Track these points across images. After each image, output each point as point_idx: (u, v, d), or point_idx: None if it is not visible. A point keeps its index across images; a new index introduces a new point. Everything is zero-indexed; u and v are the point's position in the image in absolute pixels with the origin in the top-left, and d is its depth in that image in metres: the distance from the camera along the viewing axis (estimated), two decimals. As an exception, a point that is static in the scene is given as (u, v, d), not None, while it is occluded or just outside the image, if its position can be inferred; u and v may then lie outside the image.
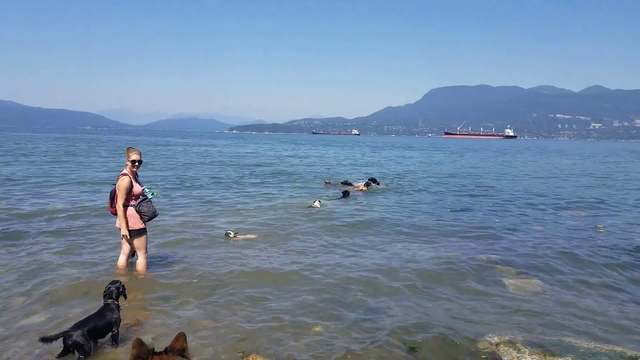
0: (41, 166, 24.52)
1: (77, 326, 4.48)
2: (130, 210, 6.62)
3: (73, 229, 9.92)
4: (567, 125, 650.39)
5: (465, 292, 6.66)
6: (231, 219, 11.61)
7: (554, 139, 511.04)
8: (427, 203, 15.16)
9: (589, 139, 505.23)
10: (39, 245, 8.52)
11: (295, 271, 7.41)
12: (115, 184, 6.66)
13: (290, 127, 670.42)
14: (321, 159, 39.89)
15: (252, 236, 9.58)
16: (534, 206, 14.78)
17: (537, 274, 7.58)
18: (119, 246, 7.20)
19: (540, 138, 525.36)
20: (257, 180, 20.91)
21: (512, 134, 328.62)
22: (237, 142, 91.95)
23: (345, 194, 15.77)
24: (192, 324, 5.35)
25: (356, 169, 30.45)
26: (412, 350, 4.94)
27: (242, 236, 9.50)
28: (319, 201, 13.72)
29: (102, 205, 11.64)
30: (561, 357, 4.69)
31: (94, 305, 5.30)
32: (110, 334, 4.72)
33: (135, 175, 6.75)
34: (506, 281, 7.21)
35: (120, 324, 4.84)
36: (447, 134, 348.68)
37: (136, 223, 6.67)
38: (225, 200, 14.68)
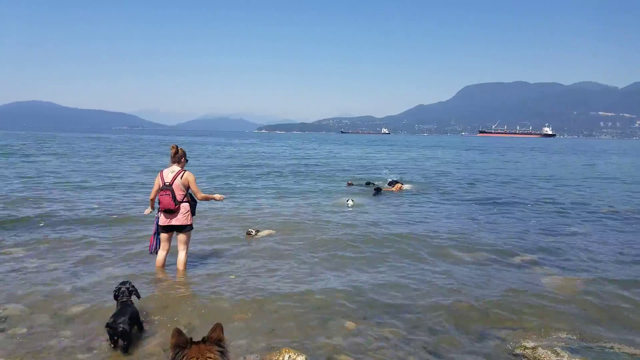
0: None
1: (118, 316, 4.76)
2: (187, 206, 6.90)
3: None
4: (609, 124, 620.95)
5: (503, 292, 6.55)
6: (264, 217, 11.85)
7: (596, 137, 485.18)
8: (472, 204, 15.10)
9: (635, 138, 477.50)
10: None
11: (326, 268, 7.56)
12: (169, 183, 6.76)
13: (318, 127, 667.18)
14: (349, 159, 40.16)
15: (272, 231, 9.84)
16: (581, 207, 14.42)
17: (579, 274, 7.41)
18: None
19: (580, 137, 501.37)
20: (299, 178, 21.53)
21: (550, 132, 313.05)
22: (268, 141, 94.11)
23: (378, 191, 16.53)
24: (225, 317, 5.47)
25: (390, 168, 29.53)
26: (445, 351, 4.90)
27: (264, 232, 9.71)
28: (352, 199, 14.25)
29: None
30: (603, 362, 4.44)
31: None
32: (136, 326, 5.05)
33: None
34: (545, 280, 7.08)
35: (151, 315, 5.42)
36: (481, 132, 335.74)
37: (189, 218, 6.94)
38: (255, 199, 14.97)
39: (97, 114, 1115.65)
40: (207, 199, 7.21)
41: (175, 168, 6.84)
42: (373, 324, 5.41)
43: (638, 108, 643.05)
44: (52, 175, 19.43)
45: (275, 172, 24.66)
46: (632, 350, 4.80)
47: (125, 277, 6.57)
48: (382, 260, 8.07)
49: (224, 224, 10.75)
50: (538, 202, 15.01)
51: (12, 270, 6.99)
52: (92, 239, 9.01)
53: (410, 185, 18.79)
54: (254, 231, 9.52)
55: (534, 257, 8.33)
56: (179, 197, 6.75)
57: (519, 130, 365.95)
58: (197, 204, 7.18)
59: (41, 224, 10.07)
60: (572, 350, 4.70)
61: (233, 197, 14.65)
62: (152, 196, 7.10)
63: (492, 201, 15.13)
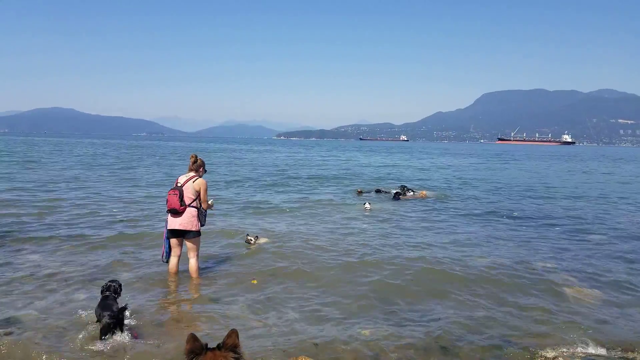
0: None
1: (107, 308, 5.04)
2: (195, 212, 6.91)
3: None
4: (629, 131, 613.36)
5: (521, 301, 6.46)
6: (286, 221, 11.95)
7: (616, 145, 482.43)
8: (488, 210, 14.89)
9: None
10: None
11: (344, 274, 7.49)
12: (180, 184, 6.92)
13: (337, 134, 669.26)
14: (366, 167, 39.89)
15: (267, 239, 9.55)
16: (603, 217, 14.23)
17: (599, 285, 7.24)
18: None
19: (600, 144, 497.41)
20: (319, 184, 21.67)
21: (569, 140, 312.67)
22: (288, 148, 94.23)
23: (396, 195, 16.90)
24: (241, 324, 5.46)
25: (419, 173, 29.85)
26: (465, 359, 4.84)
27: (263, 239, 9.47)
28: (369, 203, 14.69)
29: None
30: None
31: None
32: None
33: None
34: (566, 290, 6.94)
35: (167, 321, 5.65)
36: (500, 139, 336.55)
37: (195, 224, 6.93)
38: (269, 203, 15.09)
39: (118, 120, 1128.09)
40: (205, 208, 7.13)
41: (191, 174, 6.97)
42: (388, 329, 5.37)
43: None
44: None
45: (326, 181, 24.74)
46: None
47: (138, 279, 6.94)
48: (396, 264, 7.95)
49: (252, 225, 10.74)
50: (559, 212, 14.86)
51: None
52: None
53: (433, 193, 18.73)
54: (253, 238, 9.24)
55: (555, 266, 8.23)
56: (187, 200, 6.79)
57: (538, 138, 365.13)
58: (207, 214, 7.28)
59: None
60: (594, 362, 4.55)
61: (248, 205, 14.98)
62: None
63: (512, 210, 14.98)
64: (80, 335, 5.01)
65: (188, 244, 7.07)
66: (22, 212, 12.05)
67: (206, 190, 7.01)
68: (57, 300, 6.09)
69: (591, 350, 4.95)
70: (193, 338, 2.01)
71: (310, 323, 5.55)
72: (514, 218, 13.45)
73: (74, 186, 18.11)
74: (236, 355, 1.99)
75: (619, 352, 4.94)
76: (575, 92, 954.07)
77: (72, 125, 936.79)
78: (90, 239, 9.44)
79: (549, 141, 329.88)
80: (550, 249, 9.59)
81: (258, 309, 5.92)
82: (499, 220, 12.96)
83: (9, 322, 5.32)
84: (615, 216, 14.17)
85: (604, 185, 24.95)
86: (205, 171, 7.26)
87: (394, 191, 17.55)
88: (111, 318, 4.90)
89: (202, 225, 7.11)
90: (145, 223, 11.32)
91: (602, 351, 4.94)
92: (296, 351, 4.78)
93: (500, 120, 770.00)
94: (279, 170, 30.61)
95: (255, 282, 7.11)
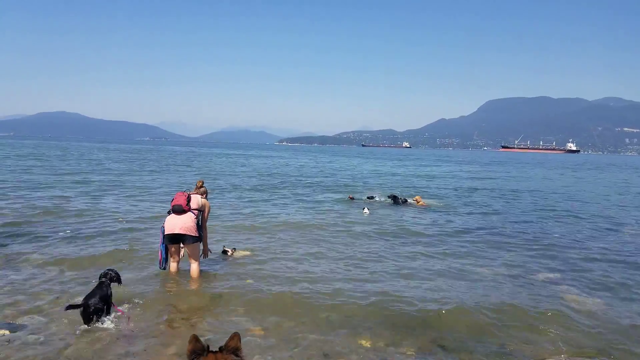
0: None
1: (90, 297, 5.32)
2: (195, 218, 7.05)
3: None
4: (635, 140, 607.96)
5: (524, 309, 6.44)
6: (288, 230, 11.87)
7: (621, 154, 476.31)
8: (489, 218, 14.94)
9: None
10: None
11: (347, 283, 7.46)
12: (187, 191, 7.34)
13: (339, 140, 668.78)
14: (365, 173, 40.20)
15: (247, 252, 9.03)
16: (606, 225, 14.23)
17: (601, 293, 7.28)
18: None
19: (605, 153, 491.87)
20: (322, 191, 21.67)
21: (574, 148, 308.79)
22: (289, 153, 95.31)
23: (395, 199, 17.25)
24: (241, 331, 5.36)
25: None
26: None
27: (241, 252, 9.02)
28: (367, 208, 15.11)
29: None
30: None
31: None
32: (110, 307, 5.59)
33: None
34: (567, 297, 6.98)
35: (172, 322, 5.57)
36: (504, 147, 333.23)
37: (195, 229, 7.02)
38: (269, 210, 15.12)
39: (121, 125, 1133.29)
40: (205, 234, 7.40)
41: (197, 193, 7.47)
42: (390, 340, 5.35)
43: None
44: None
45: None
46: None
47: (138, 280, 6.94)
48: (397, 272, 7.99)
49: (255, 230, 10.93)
50: (563, 219, 14.78)
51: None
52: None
53: (433, 201, 18.64)
54: (230, 250, 8.79)
55: (556, 274, 8.23)
56: (193, 206, 7.03)
57: (542, 146, 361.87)
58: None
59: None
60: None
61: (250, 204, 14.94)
62: None
63: (514, 217, 14.95)
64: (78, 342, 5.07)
65: (188, 250, 7.10)
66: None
67: (209, 211, 7.47)
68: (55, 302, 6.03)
69: (592, 357, 4.97)
70: (195, 339, 2.02)
71: (312, 332, 5.59)
72: (515, 225, 13.37)
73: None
74: (237, 358, 1.99)
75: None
76: (580, 100, 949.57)
77: (76, 130, 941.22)
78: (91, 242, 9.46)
79: (554, 149, 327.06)
80: (553, 257, 9.58)
81: (258, 317, 5.90)
82: (498, 230, 12.88)
83: (10, 326, 5.34)
84: (620, 224, 14.04)
85: (609, 195, 24.84)
86: (206, 198, 7.63)
87: (389, 197, 17.81)
88: (93, 304, 5.18)
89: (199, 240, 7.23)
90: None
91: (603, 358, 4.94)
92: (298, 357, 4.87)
93: (504, 127, 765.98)
94: (277, 178, 30.89)
95: (249, 281, 7.24)
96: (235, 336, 2.07)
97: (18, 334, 5.09)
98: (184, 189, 7.78)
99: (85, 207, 13.62)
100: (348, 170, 40.40)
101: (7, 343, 4.86)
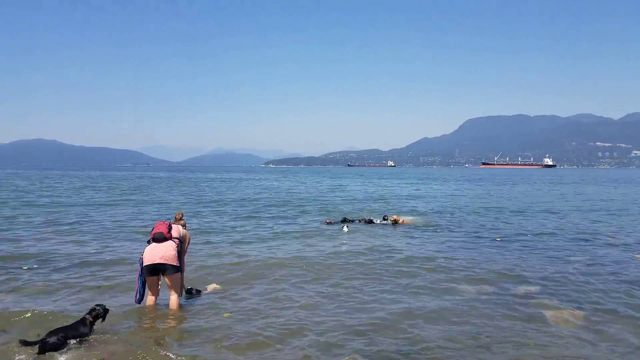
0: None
1: (52, 333, 5.42)
2: (175, 247, 6.81)
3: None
4: (607, 154, 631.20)
5: (505, 325, 6.53)
6: (280, 250, 11.81)
7: (595, 167, 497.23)
8: (468, 236, 15.03)
9: (631, 167, 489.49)
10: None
11: (333, 303, 7.43)
12: (176, 217, 7.38)
13: (325, 160, 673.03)
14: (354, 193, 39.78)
15: (217, 286, 8.34)
16: (582, 238, 14.46)
17: (580, 306, 7.37)
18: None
19: (580, 167, 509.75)
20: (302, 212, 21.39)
21: (551, 163, 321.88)
22: (274, 176, 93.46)
23: (369, 221, 17.31)
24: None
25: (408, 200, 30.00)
26: None
27: (210, 287, 8.28)
28: (347, 226, 15.70)
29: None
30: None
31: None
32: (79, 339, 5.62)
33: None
34: (547, 313, 7.02)
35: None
36: (484, 164, 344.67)
37: (176, 259, 6.75)
38: (253, 232, 14.95)
39: (102, 151, 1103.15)
40: (183, 268, 7.02)
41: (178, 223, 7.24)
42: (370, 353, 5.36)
43: (634, 138, 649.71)
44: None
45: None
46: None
47: (111, 315, 6.21)
48: (382, 293, 7.97)
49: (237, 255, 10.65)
50: (540, 234, 15.00)
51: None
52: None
53: (413, 218, 18.71)
54: (194, 290, 7.84)
55: (537, 289, 8.26)
56: (174, 234, 6.80)
57: (520, 162, 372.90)
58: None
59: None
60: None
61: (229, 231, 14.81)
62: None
63: (495, 233, 15.10)
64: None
65: (168, 281, 6.71)
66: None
67: (189, 243, 7.30)
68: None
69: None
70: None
71: (297, 358, 5.55)
72: (496, 241, 13.56)
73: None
74: None
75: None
76: (555, 117, 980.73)
77: (55, 157, 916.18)
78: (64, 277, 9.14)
79: (532, 164, 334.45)
80: (533, 271, 9.63)
81: (242, 345, 5.79)
82: (480, 244, 13.06)
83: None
84: (596, 236, 14.26)
85: (585, 208, 25.20)
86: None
87: (367, 219, 17.78)
88: (52, 341, 5.28)
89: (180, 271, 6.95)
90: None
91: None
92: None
93: (484, 145, 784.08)
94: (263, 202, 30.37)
95: (226, 315, 6.77)
96: None
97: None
98: (164, 219, 7.47)
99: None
100: (345, 192, 39.64)
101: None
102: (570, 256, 11.50)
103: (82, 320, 5.69)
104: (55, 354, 5.30)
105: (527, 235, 14.96)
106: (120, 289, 8.21)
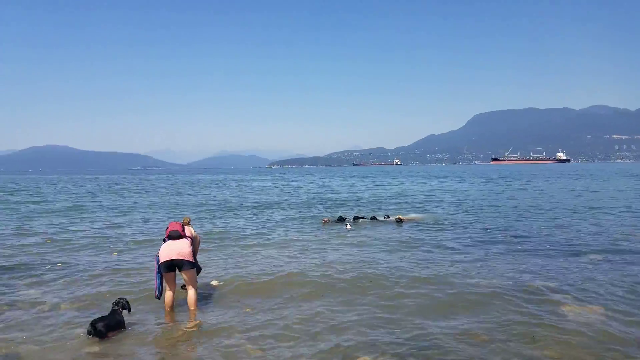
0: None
1: (99, 320, 6.00)
2: (190, 245, 7.17)
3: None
4: (624, 147, 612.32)
5: (521, 323, 6.43)
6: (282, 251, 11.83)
7: (611, 161, 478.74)
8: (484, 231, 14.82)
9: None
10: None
11: (346, 300, 7.48)
12: (183, 222, 7.49)
13: (330, 160, 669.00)
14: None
15: (215, 283, 8.67)
16: (598, 235, 14.24)
17: (598, 301, 7.27)
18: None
19: (596, 161, 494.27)
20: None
21: (564, 157, 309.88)
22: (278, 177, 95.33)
23: (372, 218, 17.51)
24: (240, 354, 5.52)
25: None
26: None
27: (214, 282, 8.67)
28: (350, 224, 15.82)
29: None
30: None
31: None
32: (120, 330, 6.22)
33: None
34: (564, 309, 6.95)
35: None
36: (494, 160, 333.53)
37: (191, 255, 7.11)
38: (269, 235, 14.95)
39: (112, 156, 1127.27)
40: (199, 267, 7.40)
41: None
42: (389, 358, 5.35)
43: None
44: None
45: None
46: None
47: (131, 321, 6.65)
48: (392, 291, 7.94)
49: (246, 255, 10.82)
50: (553, 231, 14.77)
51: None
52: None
53: (421, 216, 18.56)
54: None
55: (552, 285, 8.16)
56: (187, 234, 7.19)
57: (532, 157, 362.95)
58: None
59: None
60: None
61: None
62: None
63: (508, 230, 14.95)
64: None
65: (185, 276, 7.10)
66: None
67: (199, 245, 7.80)
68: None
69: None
70: None
71: (312, 353, 5.58)
72: (509, 238, 13.35)
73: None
74: None
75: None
76: (568, 110, 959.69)
77: (67, 162, 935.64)
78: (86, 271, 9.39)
79: (544, 159, 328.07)
80: (547, 269, 9.52)
81: (257, 340, 5.93)
82: (495, 242, 12.86)
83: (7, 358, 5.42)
84: (612, 234, 14.05)
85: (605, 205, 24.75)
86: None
87: (370, 216, 17.94)
88: (98, 325, 5.87)
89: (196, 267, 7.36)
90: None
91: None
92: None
93: (493, 140, 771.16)
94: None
95: (248, 309, 7.19)
96: None
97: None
98: (176, 220, 8.02)
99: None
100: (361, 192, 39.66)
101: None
102: (586, 254, 11.16)
103: (114, 312, 6.31)
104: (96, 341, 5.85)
105: (538, 232, 14.72)
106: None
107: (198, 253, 7.69)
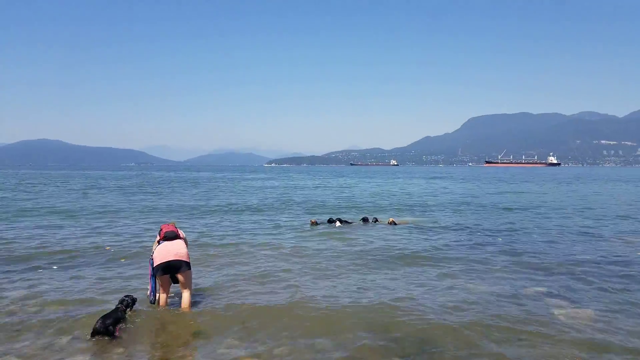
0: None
1: (104, 317, 5.95)
2: (185, 246, 7.04)
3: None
4: (612, 152, 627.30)
5: (513, 326, 6.41)
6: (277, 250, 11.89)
7: (600, 165, 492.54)
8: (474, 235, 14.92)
9: (637, 165, 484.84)
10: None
11: (342, 306, 7.27)
12: (177, 226, 7.30)
13: (327, 159, 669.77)
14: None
15: (208, 286, 8.38)
16: (585, 234, 14.37)
17: (591, 304, 7.29)
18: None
19: (585, 165, 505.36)
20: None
21: (555, 161, 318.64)
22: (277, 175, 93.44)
23: (365, 220, 17.25)
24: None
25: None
26: None
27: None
28: (339, 221, 16.10)
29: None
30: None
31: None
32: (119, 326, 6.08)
33: None
34: (556, 312, 6.94)
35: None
36: (487, 162, 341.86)
37: (188, 256, 6.93)
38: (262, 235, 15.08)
39: (106, 151, 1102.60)
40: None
41: None
42: (380, 355, 5.36)
43: (639, 136, 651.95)
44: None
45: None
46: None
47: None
48: (394, 287, 7.89)
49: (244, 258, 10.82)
50: (546, 232, 14.89)
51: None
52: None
53: (412, 219, 18.36)
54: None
55: (544, 287, 8.17)
56: (181, 235, 7.02)
57: (524, 160, 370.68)
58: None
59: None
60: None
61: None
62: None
63: (501, 231, 15.00)
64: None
65: (182, 278, 6.79)
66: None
67: (187, 246, 7.30)
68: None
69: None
70: None
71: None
72: (503, 239, 13.45)
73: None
74: None
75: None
76: (559, 115, 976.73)
77: (59, 157, 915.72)
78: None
79: (536, 163, 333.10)
80: (540, 269, 9.57)
81: (252, 346, 5.83)
82: (486, 244, 12.92)
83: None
84: (605, 234, 14.22)
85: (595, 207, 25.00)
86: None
87: (361, 218, 17.55)
88: (101, 325, 5.81)
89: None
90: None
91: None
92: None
93: (487, 143, 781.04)
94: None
95: (242, 322, 6.67)
96: None
97: None
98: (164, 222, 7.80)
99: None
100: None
101: None
102: (579, 254, 11.40)
103: (117, 309, 6.27)
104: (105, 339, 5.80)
105: (531, 233, 14.90)
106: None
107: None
